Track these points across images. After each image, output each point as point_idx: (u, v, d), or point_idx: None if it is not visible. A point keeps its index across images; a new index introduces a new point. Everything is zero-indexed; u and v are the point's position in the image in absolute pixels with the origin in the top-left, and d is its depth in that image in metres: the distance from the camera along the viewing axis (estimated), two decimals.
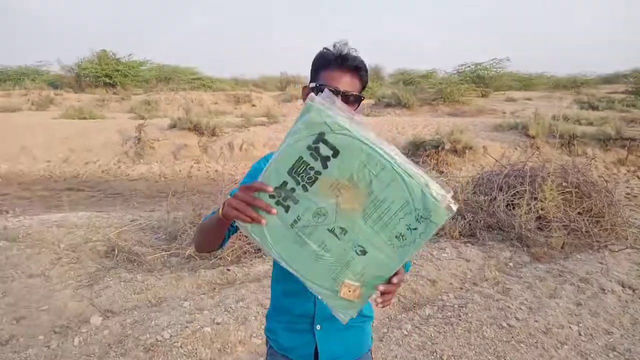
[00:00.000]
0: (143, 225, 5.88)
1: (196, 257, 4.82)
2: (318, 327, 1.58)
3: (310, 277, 1.24)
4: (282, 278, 1.61)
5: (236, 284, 4.20)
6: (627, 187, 9.32)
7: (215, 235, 1.42)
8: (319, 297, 1.26)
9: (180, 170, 11.90)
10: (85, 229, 5.64)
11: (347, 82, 1.47)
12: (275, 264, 1.65)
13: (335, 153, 1.10)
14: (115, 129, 13.73)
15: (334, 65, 1.48)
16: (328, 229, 1.17)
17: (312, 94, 1.20)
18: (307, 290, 1.27)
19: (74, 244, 5.17)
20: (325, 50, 1.51)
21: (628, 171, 10.78)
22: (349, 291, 1.23)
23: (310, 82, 1.55)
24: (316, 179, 1.13)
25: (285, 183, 1.15)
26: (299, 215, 1.17)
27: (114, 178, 11.63)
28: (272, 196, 1.16)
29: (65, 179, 11.55)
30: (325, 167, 1.12)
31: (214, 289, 4.15)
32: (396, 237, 1.16)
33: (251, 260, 4.74)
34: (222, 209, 1.25)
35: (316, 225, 1.18)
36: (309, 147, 1.11)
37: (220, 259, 4.76)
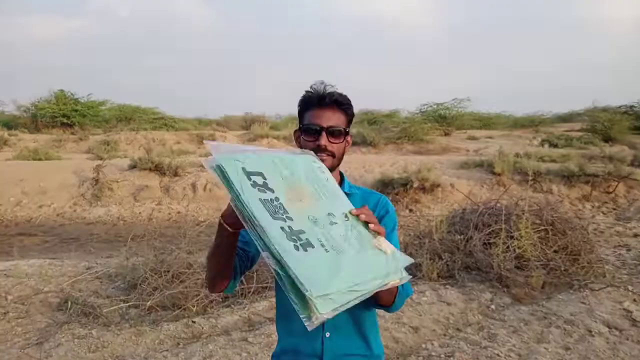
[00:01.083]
0: (100, 273, 5.45)
1: (158, 308, 4.44)
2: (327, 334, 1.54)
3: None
4: (286, 316, 1.58)
5: (202, 339, 3.84)
6: (594, 223, 9.37)
7: (224, 257, 1.40)
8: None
9: (140, 213, 11.42)
10: (37, 278, 5.19)
11: (328, 118, 1.54)
12: (279, 302, 1.64)
13: (262, 174, 1.18)
14: (72, 170, 13.16)
15: (315, 105, 1.55)
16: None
17: (206, 159, 1.20)
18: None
19: (23, 296, 4.72)
20: (306, 92, 1.58)
21: (593, 207, 10.91)
22: None
23: (299, 125, 1.63)
24: (281, 204, 1.16)
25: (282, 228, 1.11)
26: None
27: (70, 222, 11.04)
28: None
29: (17, 224, 10.88)
30: (272, 190, 1.17)
31: (179, 344, 3.77)
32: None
33: (218, 311, 4.39)
34: (225, 222, 1.28)
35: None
36: (253, 185, 1.14)
37: (184, 309, 4.39)
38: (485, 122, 28.48)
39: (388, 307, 1.50)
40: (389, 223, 1.58)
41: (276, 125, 28.19)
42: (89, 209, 11.64)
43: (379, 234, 1.26)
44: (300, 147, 1.57)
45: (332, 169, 1.54)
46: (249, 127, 23.89)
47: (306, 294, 1.02)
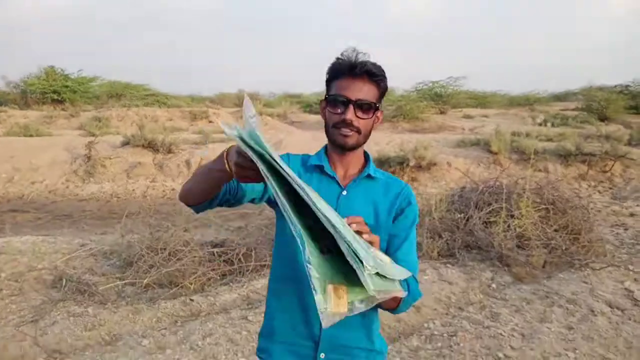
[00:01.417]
0: (94, 250, 5.36)
1: (155, 286, 4.36)
2: (322, 355, 1.40)
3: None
4: (283, 290, 1.46)
5: (201, 317, 3.77)
6: (590, 202, 9.34)
7: (211, 186, 1.33)
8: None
9: (134, 190, 11.29)
10: (30, 255, 5.08)
11: (358, 90, 1.39)
12: (276, 271, 1.53)
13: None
14: (64, 146, 12.96)
15: (345, 74, 1.40)
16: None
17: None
18: (312, 309, 1.17)
19: (16, 273, 4.62)
20: (336, 59, 1.43)
21: (589, 186, 10.89)
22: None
23: (325, 94, 1.47)
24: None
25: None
26: None
27: (62, 198, 10.90)
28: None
29: (9, 200, 10.72)
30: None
31: (177, 322, 3.70)
32: None
33: (216, 289, 4.31)
34: (228, 163, 1.20)
35: None
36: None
37: (182, 287, 4.31)
38: (481, 100, 28.29)
39: (392, 310, 1.41)
40: (410, 215, 1.48)
41: (270, 103, 27.92)
42: (82, 186, 11.50)
43: (372, 243, 1.14)
44: (325, 119, 1.45)
45: (356, 146, 1.44)
46: (242, 104, 23.60)
47: (363, 264, 0.96)
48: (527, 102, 27.54)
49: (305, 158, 1.55)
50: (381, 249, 1.18)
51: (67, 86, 23.57)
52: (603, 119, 19.66)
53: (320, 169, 1.49)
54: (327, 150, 1.52)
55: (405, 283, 1.30)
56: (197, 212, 1.46)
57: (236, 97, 28.13)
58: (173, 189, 11.06)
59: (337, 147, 1.45)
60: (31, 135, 15.02)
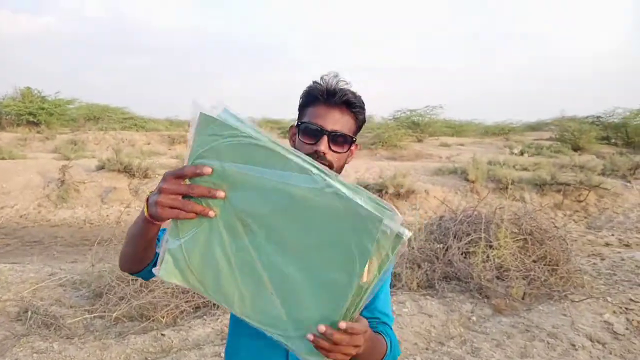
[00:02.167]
0: (63, 280, 5.17)
1: (125, 319, 4.19)
2: None
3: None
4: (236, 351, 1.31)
5: (172, 353, 3.61)
6: (566, 232, 9.43)
7: (141, 245, 1.10)
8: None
9: (107, 215, 11.05)
10: None
11: (335, 120, 1.27)
12: (233, 333, 1.35)
13: None
14: (37, 170, 12.67)
15: (321, 101, 1.28)
16: None
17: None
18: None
19: None
20: (313, 84, 1.31)
21: (564, 215, 11.01)
22: None
23: (297, 120, 1.34)
24: None
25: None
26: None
27: (33, 224, 10.60)
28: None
29: None
30: None
31: (146, 359, 3.55)
32: None
33: (189, 322, 4.16)
34: (147, 206, 0.97)
35: None
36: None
37: (153, 320, 4.15)
38: (457, 129, 28.67)
39: None
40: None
41: None
42: (54, 211, 11.21)
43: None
44: (295, 147, 1.30)
45: None
46: None
47: (385, 212, 0.84)
48: (501, 131, 27.98)
49: None
50: None
51: (43, 108, 23.14)
52: (576, 149, 20.04)
53: None
54: None
55: (389, 340, 1.21)
56: (146, 279, 1.25)
57: None
58: None
59: None
60: (3, 158, 14.65)
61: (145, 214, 0.98)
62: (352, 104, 1.28)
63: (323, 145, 1.25)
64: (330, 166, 1.27)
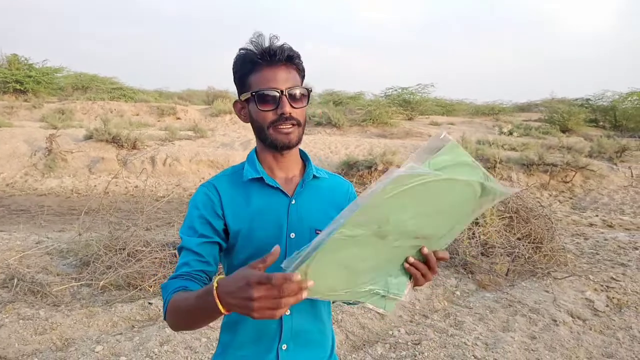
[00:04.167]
0: (50, 248, 5.16)
1: (112, 288, 4.20)
2: (284, 347, 1.28)
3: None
4: (234, 325, 1.30)
5: (159, 321, 3.64)
6: (551, 212, 9.55)
7: (203, 322, 1.07)
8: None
9: (95, 186, 10.99)
10: None
11: (285, 78, 1.23)
12: None
13: None
14: (24, 138, 12.54)
15: (263, 64, 1.23)
16: None
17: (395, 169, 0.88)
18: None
19: None
20: (244, 51, 1.25)
21: (550, 195, 11.13)
22: None
23: (241, 93, 1.29)
24: None
25: None
26: None
27: (20, 192, 10.53)
28: None
29: None
30: None
31: (133, 327, 3.57)
32: None
33: None
34: (221, 302, 0.92)
35: None
36: None
37: (140, 290, 4.17)
38: (448, 108, 28.64)
39: None
40: None
41: None
42: (41, 180, 11.14)
43: None
44: (252, 120, 1.29)
45: (299, 142, 1.29)
46: (212, 102, 23.28)
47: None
48: (491, 111, 27.97)
49: (233, 175, 1.35)
50: None
51: (30, 76, 22.75)
52: (564, 130, 20.13)
53: (259, 181, 1.31)
54: (257, 156, 1.35)
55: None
56: None
57: (205, 94, 27.72)
58: (136, 186, 10.80)
59: (278, 149, 1.27)
60: None
61: (222, 310, 0.94)
62: (293, 57, 1.25)
63: (287, 106, 1.22)
64: (298, 124, 1.27)
